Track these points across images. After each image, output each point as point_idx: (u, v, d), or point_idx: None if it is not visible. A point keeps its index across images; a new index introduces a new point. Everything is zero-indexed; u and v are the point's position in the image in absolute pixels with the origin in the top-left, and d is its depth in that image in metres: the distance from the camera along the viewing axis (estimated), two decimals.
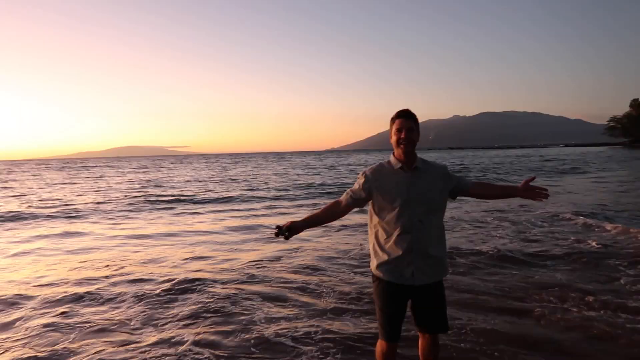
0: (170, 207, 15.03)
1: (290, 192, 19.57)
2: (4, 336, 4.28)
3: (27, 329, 4.44)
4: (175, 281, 5.86)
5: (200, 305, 4.96)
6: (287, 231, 2.55)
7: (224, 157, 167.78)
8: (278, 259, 7.01)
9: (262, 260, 6.92)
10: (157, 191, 21.23)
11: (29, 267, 7.00)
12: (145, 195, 18.94)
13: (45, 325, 4.49)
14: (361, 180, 2.63)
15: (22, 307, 5.06)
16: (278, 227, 2.57)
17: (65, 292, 5.54)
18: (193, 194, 19.56)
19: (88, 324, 4.50)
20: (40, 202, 17.58)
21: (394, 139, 2.55)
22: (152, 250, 8.00)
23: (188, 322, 4.52)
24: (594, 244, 7.30)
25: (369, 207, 2.70)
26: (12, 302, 5.25)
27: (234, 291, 5.43)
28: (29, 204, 16.64)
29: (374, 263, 2.63)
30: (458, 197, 2.73)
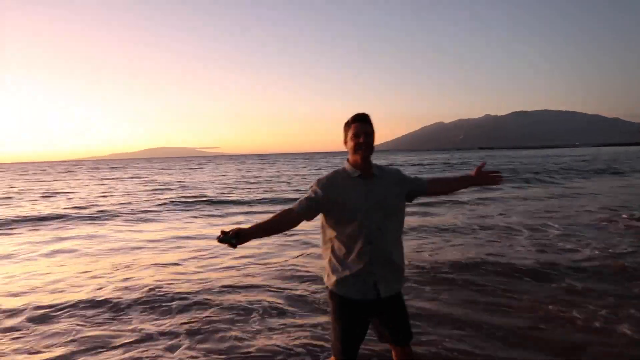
0: (196, 209, 15.19)
1: None
2: (8, 337, 4.42)
3: (28, 329, 4.58)
4: (176, 286, 5.95)
5: (197, 310, 5.02)
6: (234, 238, 2.16)
7: (252, 157, 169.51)
8: (284, 265, 7.00)
9: (267, 264, 6.94)
10: (185, 193, 21.55)
11: (41, 268, 7.23)
12: (171, 198, 19.21)
13: (42, 324, 4.63)
14: (317, 190, 2.42)
15: (23, 309, 5.20)
16: (224, 232, 2.17)
17: (65, 296, 5.68)
18: (218, 196, 19.79)
19: (81, 327, 4.62)
20: (69, 203, 18.15)
21: (350, 144, 2.43)
22: (165, 255, 8.10)
23: (185, 327, 4.56)
24: (616, 249, 7.02)
25: (321, 221, 2.52)
26: (17, 302, 5.41)
27: (233, 296, 5.47)
28: (58, 206, 17.20)
29: (332, 279, 2.46)
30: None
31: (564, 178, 23.30)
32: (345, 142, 2.48)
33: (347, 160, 2.51)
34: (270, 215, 2.37)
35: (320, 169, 47.00)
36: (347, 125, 2.46)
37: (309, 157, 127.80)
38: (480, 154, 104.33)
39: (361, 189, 2.42)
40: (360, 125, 2.41)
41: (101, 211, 14.98)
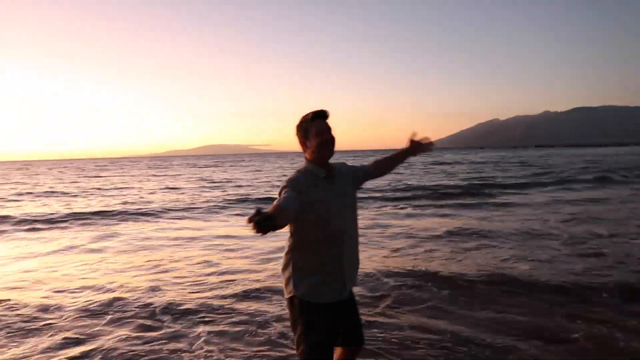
0: (242, 207, 15.39)
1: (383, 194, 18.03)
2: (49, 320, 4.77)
3: (66, 319, 4.92)
4: (204, 284, 6.18)
5: (222, 305, 5.20)
6: (270, 220, 1.73)
7: (302, 155, 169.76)
8: None
9: None
10: (233, 191, 21.92)
11: (81, 263, 7.68)
12: (220, 195, 19.55)
13: (80, 313, 4.96)
14: (293, 191, 2.23)
15: (59, 304, 5.58)
16: (259, 211, 1.74)
17: (95, 292, 6.02)
18: (266, 194, 20.08)
19: (111, 319, 4.91)
20: (120, 199, 19.12)
21: (315, 142, 2.31)
22: (201, 252, 8.31)
23: (206, 325, 4.73)
24: None
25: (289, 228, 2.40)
26: (55, 298, 5.81)
27: (258, 296, 5.59)
28: (110, 202, 18.17)
29: (300, 288, 2.34)
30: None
31: (624, 178, 21.88)
32: (304, 142, 2.38)
33: (307, 160, 2.41)
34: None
35: None
36: (307, 123, 2.35)
37: (362, 154, 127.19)
38: (538, 152, 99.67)
39: (329, 189, 2.36)
40: (324, 122, 2.34)
41: (150, 208, 15.55)
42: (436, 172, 32.03)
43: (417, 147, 2.76)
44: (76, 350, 4.13)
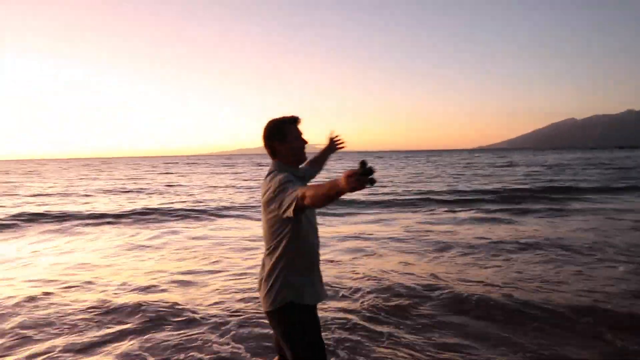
0: None
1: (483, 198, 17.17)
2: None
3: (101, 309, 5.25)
4: (241, 283, 6.37)
5: (251, 305, 5.33)
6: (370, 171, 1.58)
7: (364, 154, 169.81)
8: (345, 269, 6.90)
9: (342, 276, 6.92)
10: None
11: (127, 260, 8.16)
12: None
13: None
14: (298, 184, 2.19)
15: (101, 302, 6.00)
16: (365, 162, 1.61)
17: (133, 292, 6.38)
18: None
19: (147, 309, 5.17)
20: (179, 197, 19.95)
21: (298, 145, 2.41)
22: (247, 252, 8.52)
23: (240, 327, 4.87)
24: None
25: (274, 228, 2.30)
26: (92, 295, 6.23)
27: None
28: (174, 199, 19.04)
29: (292, 291, 2.29)
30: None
31: None
32: (281, 143, 2.39)
33: (280, 162, 2.42)
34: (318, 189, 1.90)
35: (437, 165, 44.79)
36: (285, 125, 2.41)
37: (422, 155, 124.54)
38: (622, 154, 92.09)
39: None
40: (299, 128, 2.47)
41: (210, 207, 15.86)
42: (504, 175, 30.66)
43: (333, 145, 3.04)
44: (115, 333, 4.49)
